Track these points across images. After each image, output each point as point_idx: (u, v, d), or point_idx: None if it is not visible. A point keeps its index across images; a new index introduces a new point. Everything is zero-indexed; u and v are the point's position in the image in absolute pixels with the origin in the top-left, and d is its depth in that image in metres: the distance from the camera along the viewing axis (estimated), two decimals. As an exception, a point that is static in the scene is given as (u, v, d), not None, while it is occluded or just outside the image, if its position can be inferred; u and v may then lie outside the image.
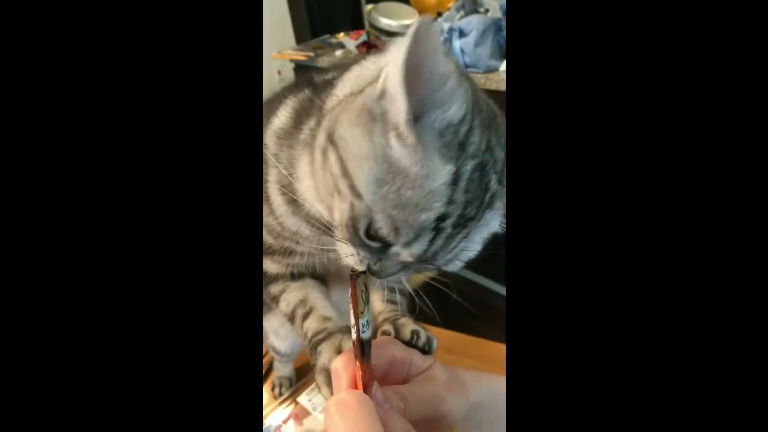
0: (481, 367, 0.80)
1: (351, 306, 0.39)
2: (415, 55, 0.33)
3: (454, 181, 0.36)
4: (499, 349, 0.85)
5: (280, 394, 0.82)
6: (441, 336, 0.86)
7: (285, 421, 0.77)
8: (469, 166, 0.36)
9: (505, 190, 0.39)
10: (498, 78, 1.70)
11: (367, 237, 0.38)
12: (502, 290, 1.99)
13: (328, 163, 0.39)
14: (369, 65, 0.43)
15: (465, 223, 0.38)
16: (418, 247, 0.37)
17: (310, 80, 0.53)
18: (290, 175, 0.46)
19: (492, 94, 1.69)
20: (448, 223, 0.37)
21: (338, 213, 0.39)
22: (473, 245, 0.41)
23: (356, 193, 0.37)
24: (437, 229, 0.37)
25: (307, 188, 0.45)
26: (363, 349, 0.40)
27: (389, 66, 0.35)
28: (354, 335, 0.40)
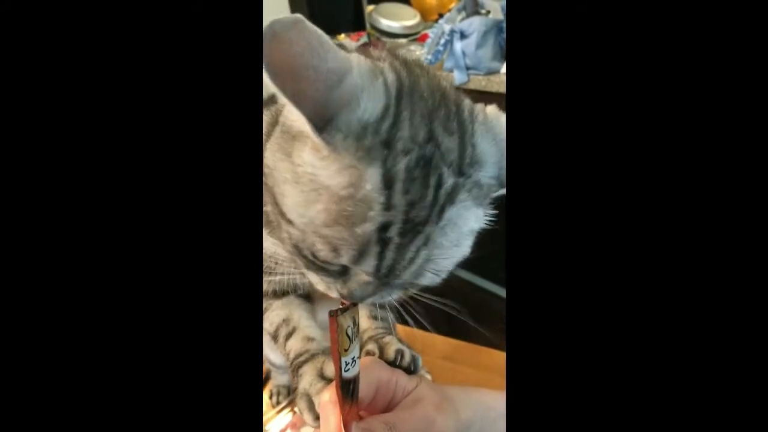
0: (480, 376, 0.80)
1: (331, 346, 0.37)
2: (281, 56, 0.30)
3: (388, 184, 0.32)
4: (500, 357, 0.84)
5: (278, 403, 0.82)
6: (439, 343, 0.85)
7: (283, 431, 0.76)
8: (402, 163, 0.32)
9: (469, 180, 0.35)
10: (499, 80, 1.69)
11: (318, 260, 0.35)
12: (501, 292, 1.97)
13: (264, 196, 0.37)
14: None
15: (415, 228, 0.33)
16: (368, 264, 0.34)
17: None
18: None
19: (493, 96, 1.69)
20: (393, 232, 0.33)
21: (282, 244, 0.37)
22: (444, 251, 0.36)
23: (287, 219, 0.35)
24: (382, 241, 0.33)
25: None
26: (348, 387, 0.39)
27: None
28: (335, 374, 0.38)
